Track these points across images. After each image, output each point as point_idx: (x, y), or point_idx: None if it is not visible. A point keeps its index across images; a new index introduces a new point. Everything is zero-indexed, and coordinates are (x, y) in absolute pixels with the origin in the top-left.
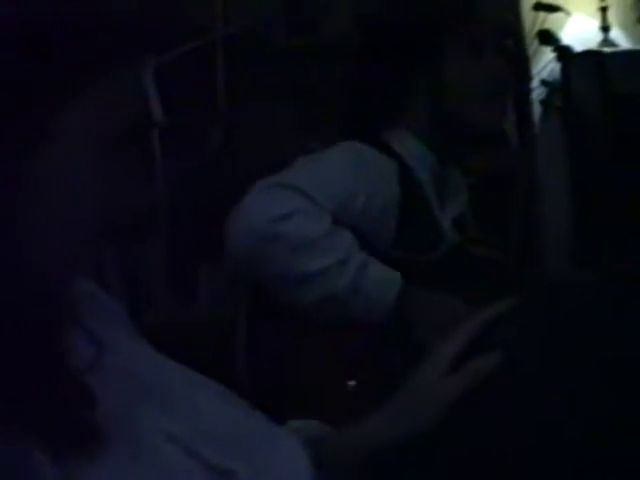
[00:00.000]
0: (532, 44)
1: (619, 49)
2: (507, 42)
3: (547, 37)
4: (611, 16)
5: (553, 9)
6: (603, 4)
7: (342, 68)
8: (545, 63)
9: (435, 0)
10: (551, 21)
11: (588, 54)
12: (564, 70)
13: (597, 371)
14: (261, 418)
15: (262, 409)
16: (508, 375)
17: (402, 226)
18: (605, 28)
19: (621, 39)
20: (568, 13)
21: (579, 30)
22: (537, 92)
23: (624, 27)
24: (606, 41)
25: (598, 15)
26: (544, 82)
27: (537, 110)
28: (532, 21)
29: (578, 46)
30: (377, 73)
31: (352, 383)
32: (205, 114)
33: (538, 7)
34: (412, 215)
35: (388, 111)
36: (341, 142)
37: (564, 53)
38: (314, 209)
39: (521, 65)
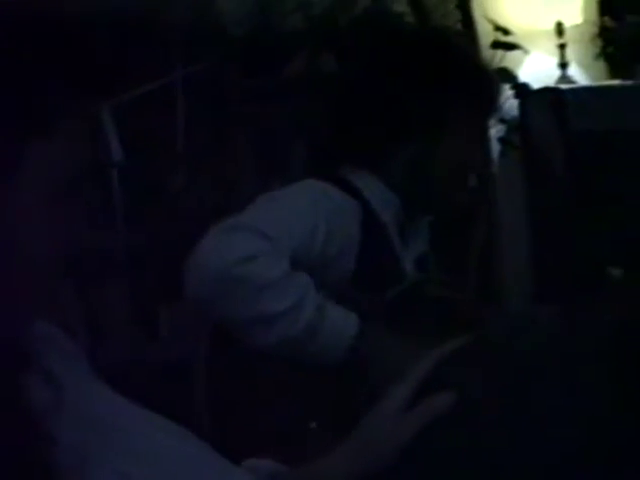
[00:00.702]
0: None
1: (577, 85)
2: None
3: (505, 75)
4: (569, 53)
5: (511, 47)
6: (561, 41)
7: (301, 109)
8: (503, 100)
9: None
10: (509, 59)
11: (546, 91)
12: (522, 107)
13: (551, 409)
14: (218, 457)
15: (220, 448)
16: (463, 414)
17: (362, 265)
18: (563, 65)
19: (579, 76)
20: (526, 51)
21: (537, 67)
22: (495, 130)
23: (582, 64)
24: (564, 78)
25: (556, 52)
26: (502, 120)
27: (495, 147)
28: (490, 59)
29: (536, 83)
30: (366, 119)
31: (313, 425)
32: (165, 155)
33: (496, 45)
34: (373, 255)
35: (366, 156)
36: (301, 180)
37: (522, 90)
38: (273, 251)
39: None
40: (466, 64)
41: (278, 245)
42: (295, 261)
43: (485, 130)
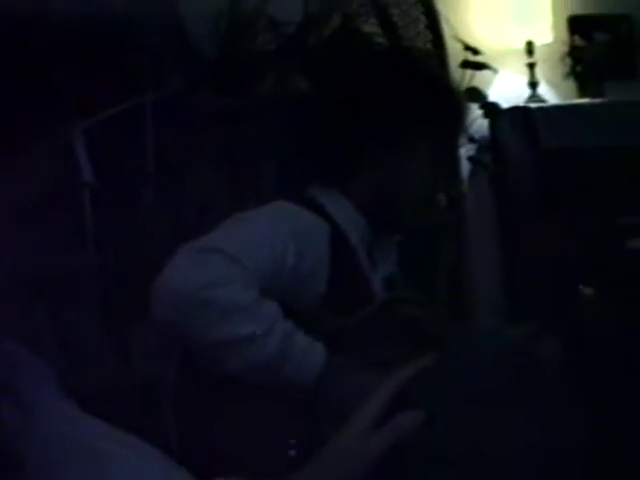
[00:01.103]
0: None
1: (547, 104)
2: None
3: (474, 94)
4: (539, 72)
5: (480, 66)
6: (531, 60)
7: (271, 130)
8: (473, 120)
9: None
10: (479, 78)
11: (515, 110)
12: (492, 126)
13: (514, 427)
14: (188, 476)
15: (190, 467)
16: (429, 431)
17: (332, 288)
18: (533, 84)
19: (549, 95)
20: (495, 70)
21: (507, 86)
22: (465, 149)
23: (552, 83)
24: (534, 97)
25: (526, 71)
26: (472, 139)
27: (465, 167)
28: (460, 79)
29: (506, 102)
30: (334, 140)
31: (292, 452)
32: (135, 176)
33: (465, 65)
34: (343, 277)
35: (333, 176)
36: (270, 201)
37: (491, 109)
38: (243, 275)
39: None
40: (432, 84)
41: (247, 269)
42: (265, 284)
43: (453, 149)
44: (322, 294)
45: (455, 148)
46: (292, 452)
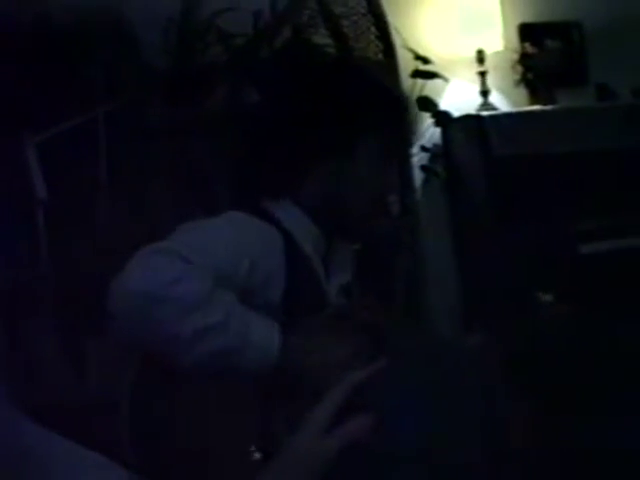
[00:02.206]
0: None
1: (498, 112)
2: None
3: (425, 103)
4: (490, 80)
5: (431, 76)
6: (482, 69)
7: (223, 141)
8: (425, 128)
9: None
10: (431, 88)
11: (467, 118)
12: (444, 135)
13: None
14: None
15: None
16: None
17: (288, 296)
18: (484, 92)
19: (500, 102)
20: (446, 79)
21: (458, 95)
22: (418, 158)
23: (503, 91)
24: (485, 105)
25: (477, 80)
26: (423, 148)
27: (418, 176)
28: (411, 88)
29: (458, 111)
30: (282, 149)
31: (257, 455)
32: (88, 189)
33: (416, 74)
34: (297, 286)
35: (282, 186)
36: (225, 212)
37: (443, 118)
38: (197, 273)
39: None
40: (374, 92)
41: (201, 267)
42: (219, 285)
43: (400, 154)
44: (278, 304)
45: (403, 153)
46: (256, 455)
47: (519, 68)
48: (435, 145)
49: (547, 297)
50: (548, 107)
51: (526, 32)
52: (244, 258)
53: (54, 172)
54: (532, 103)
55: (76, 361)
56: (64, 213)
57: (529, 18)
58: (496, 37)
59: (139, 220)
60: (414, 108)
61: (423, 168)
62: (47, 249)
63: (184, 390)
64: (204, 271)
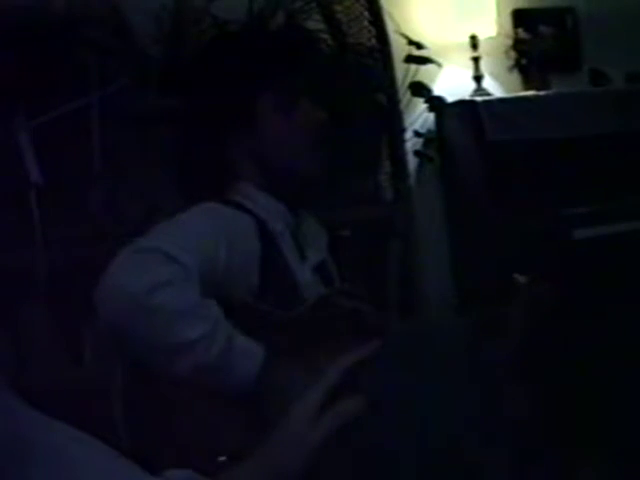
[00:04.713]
0: (405, 96)
1: (492, 97)
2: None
3: (419, 89)
4: (483, 66)
5: (424, 61)
6: (475, 54)
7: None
8: (418, 114)
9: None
10: (424, 73)
11: (461, 104)
12: (438, 120)
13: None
14: (133, 466)
15: (140, 462)
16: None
17: (264, 280)
18: (478, 78)
19: (494, 88)
20: (439, 65)
21: (452, 80)
22: (411, 143)
23: (496, 76)
24: (479, 90)
25: (470, 65)
26: (417, 133)
27: (412, 161)
28: (404, 73)
29: (451, 96)
30: (198, 132)
31: (222, 458)
32: (83, 175)
33: (409, 59)
34: (272, 269)
35: (221, 167)
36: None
37: (436, 104)
38: (185, 276)
39: (393, 117)
40: (266, 46)
41: (186, 267)
42: (203, 280)
43: (322, 93)
44: (255, 287)
45: (324, 90)
46: (222, 458)
47: (513, 53)
48: (429, 130)
49: (521, 279)
50: (542, 92)
51: (520, 18)
52: (222, 246)
53: (48, 157)
54: (526, 88)
55: (71, 346)
56: (58, 198)
57: (522, 4)
58: (490, 23)
59: (133, 205)
60: (407, 93)
61: (417, 153)
62: (41, 234)
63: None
64: (191, 273)
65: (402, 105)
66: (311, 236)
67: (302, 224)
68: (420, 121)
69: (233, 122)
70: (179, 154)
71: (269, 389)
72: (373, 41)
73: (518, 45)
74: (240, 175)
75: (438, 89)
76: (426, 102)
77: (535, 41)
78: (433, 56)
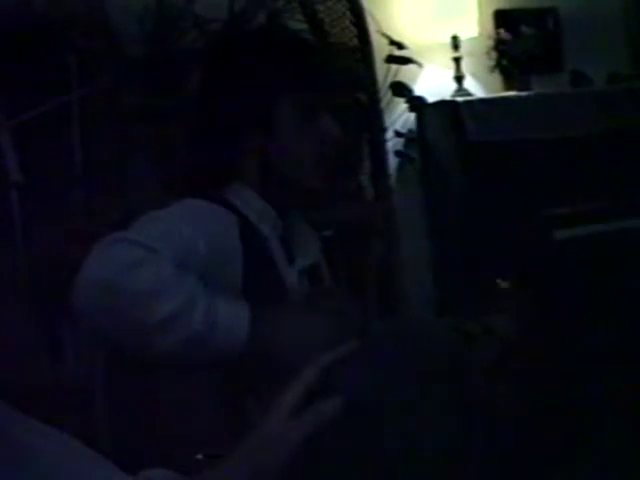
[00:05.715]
0: (386, 96)
1: (473, 98)
2: (359, 95)
3: (400, 88)
4: (465, 66)
5: (405, 61)
6: (456, 54)
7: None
8: (399, 114)
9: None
10: (405, 73)
11: (442, 104)
12: (419, 120)
13: (435, 412)
14: (116, 470)
15: (120, 461)
16: (349, 418)
17: (247, 280)
18: (459, 78)
19: (475, 88)
20: (420, 65)
21: (433, 81)
22: (392, 143)
23: (477, 76)
24: (460, 90)
25: (452, 65)
26: (398, 133)
27: (393, 161)
28: (385, 73)
29: (432, 96)
30: (211, 131)
31: (200, 456)
32: (64, 175)
33: (390, 60)
34: (256, 269)
35: (224, 168)
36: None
37: (417, 104)
38: (156, 258)
39: (374, 117)
40: (286, 50)
41: (158, 252)
42: (181, 266)
43: (330, 103)
44: (239, 287)
45: (333, 99)
46: (199, 456)
47: (494, 54)
48: (409, 130)
49: (504, 284)
50: (523, 93)
51: (501, 18)
52: (200, 241)
53: (29, 156)
54: (507, 89)
55: (52, 344)
56: (39, 197)
57: (504, 4)
58: (471, 23)
59: (114, 204)
60: (387, 93)
61: (397, 153)
62: (22, 233)
63: (155, 372)
64: (160, 254)
65: (383, 105)
66: (301, 240)
67: (292, 228)
68: (401, 121)
69: (248, 124)
70: (180, 153)
71: (261, 344)
72: (355, 41)
73: (499, 46)
74: (240, 176)
75: (419, 89)
76: (407, 102)
77: (516, 42)
78: (414, 56)
